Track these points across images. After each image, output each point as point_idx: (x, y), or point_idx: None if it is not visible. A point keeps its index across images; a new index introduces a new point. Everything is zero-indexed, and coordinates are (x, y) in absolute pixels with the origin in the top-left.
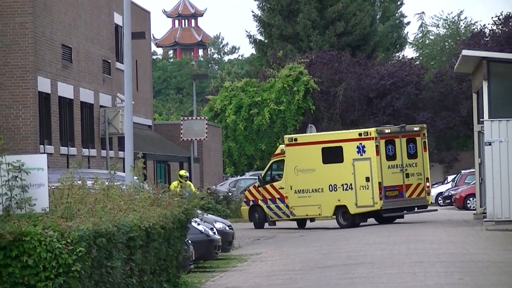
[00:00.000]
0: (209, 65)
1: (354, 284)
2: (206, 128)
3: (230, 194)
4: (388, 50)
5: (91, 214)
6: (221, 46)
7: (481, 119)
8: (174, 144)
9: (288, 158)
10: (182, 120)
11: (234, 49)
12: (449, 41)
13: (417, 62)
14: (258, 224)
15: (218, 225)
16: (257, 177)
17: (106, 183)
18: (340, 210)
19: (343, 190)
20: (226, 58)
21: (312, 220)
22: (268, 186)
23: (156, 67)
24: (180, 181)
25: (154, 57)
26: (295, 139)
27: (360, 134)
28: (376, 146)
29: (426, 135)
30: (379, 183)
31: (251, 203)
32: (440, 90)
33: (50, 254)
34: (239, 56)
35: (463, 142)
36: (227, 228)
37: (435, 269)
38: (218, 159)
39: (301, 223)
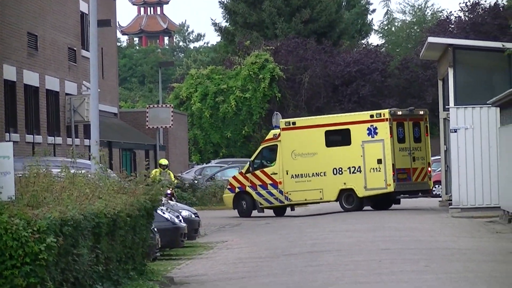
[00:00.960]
0: (175, 52)
1: (320, 272)
2: (172, 116)
3: (196, 182)
4: (353, 37)
5: (58, 202)
6: (186, 33)
7: (446, 106)
8: (140, 132)
9: (284, 143)
10: (148, 108)
11: (199, 37)
12: (415, 28)
13: (383, 49)
14: (245, 212)
15: (184, 213)
16: (223, 165)
17: (72, 171)
18: (345, 194)
19: (350, 173)
20: (191, 45)
21: (292, 208)
22: (258, 172)
23: (122, 55)
24: (161, 171)
25: (119, 44)
26: (293, 123)
27: (371, 116)
28: (390, 127)
29: (428, 119)
30: (393, 165)
31: (237, 190)
32: (405, 77)
33: (16, 243)
34: (204, 43)
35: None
36: (193, 216)
37: (402, 257)
38: (184, 147)
39: (280, 211)
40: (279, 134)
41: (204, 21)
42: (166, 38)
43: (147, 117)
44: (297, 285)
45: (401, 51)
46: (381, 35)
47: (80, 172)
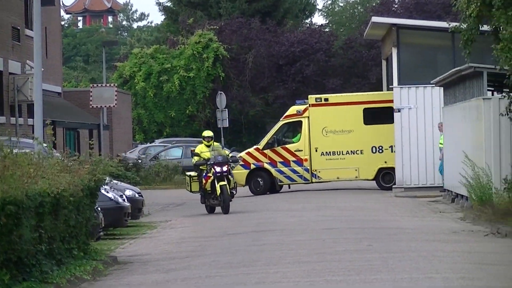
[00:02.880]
0: (119, 32)
1: (263, 251)
2: (116, 95)
3: (140, 161)
4: (297, 17)
5: (1, 181)
6: (130, 13)
7: (390, 86)
8: (84, 111)
9: (314, 119)
10: (91, 87)
11: (143, 16)
12: (359, 7)
13: (327, 29)
14: (261, 189)
15: (128, 192)
16: (166, 145)
17: (16, 151)
18: (383, 172)
19: (391, 151)
20: (135, 25)
21: (280, 187)
22: (278, 149)
23: (66, 34)
24: (206, 144)
25: (63, 23)
26: (326, 99)
27: None
28: None
29: None
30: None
31: (252, 166)
32: (349, 57)
33: None
34: (148, 23)
35: None
36: (137, 195)
37: (345, 236)
38: (127, 126)
39: (274, 189)
40: (305, 110)
41: (148, 1)
42: (110, 17)
43: (91, 96)
44: (240, 264)
45: (345, 31)
46: (325, 14)
47: (23, 151)
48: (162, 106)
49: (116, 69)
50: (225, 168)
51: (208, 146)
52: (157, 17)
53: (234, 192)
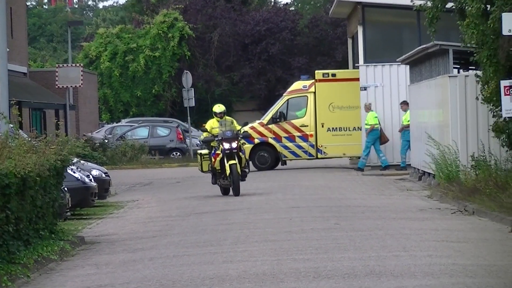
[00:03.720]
0: (84, 12)
1: (230, 230)
2: (82, 75)
3: (106, 141)
4: None
5: None
6: None
7: (356, 64)
8: (50, 91)
9: (320, 94)
10: (57, 67)
11: None
12: None
13: (292, 8)
14: (266, 164)
15: (95, 172)
16: (133, 124)
17: None
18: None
19: None
20: (100, 5)
21: (284, 163)
22: (283, 124)
23: (32, 14)
24: (218, 120)
25: (28, 3)
26: (333, 75)
27: None
28: None
29: None
30: None
31: (256, 141)
32: (315, 35)
33: None
34: (113, 2)
35: None
36: (104, 175)
37: (312, 214)
38: (94, 106)
39: (274, 165)
40: (311, 85)
41: None
42: None
43: (57, 76)
44: (207, 243)
45: (310, 9)
46: None
47: None
48: (128, 86)
49: (82, 49)
50: (234, 145)
51: (221, 123)
52: None
53: (247, 170)
